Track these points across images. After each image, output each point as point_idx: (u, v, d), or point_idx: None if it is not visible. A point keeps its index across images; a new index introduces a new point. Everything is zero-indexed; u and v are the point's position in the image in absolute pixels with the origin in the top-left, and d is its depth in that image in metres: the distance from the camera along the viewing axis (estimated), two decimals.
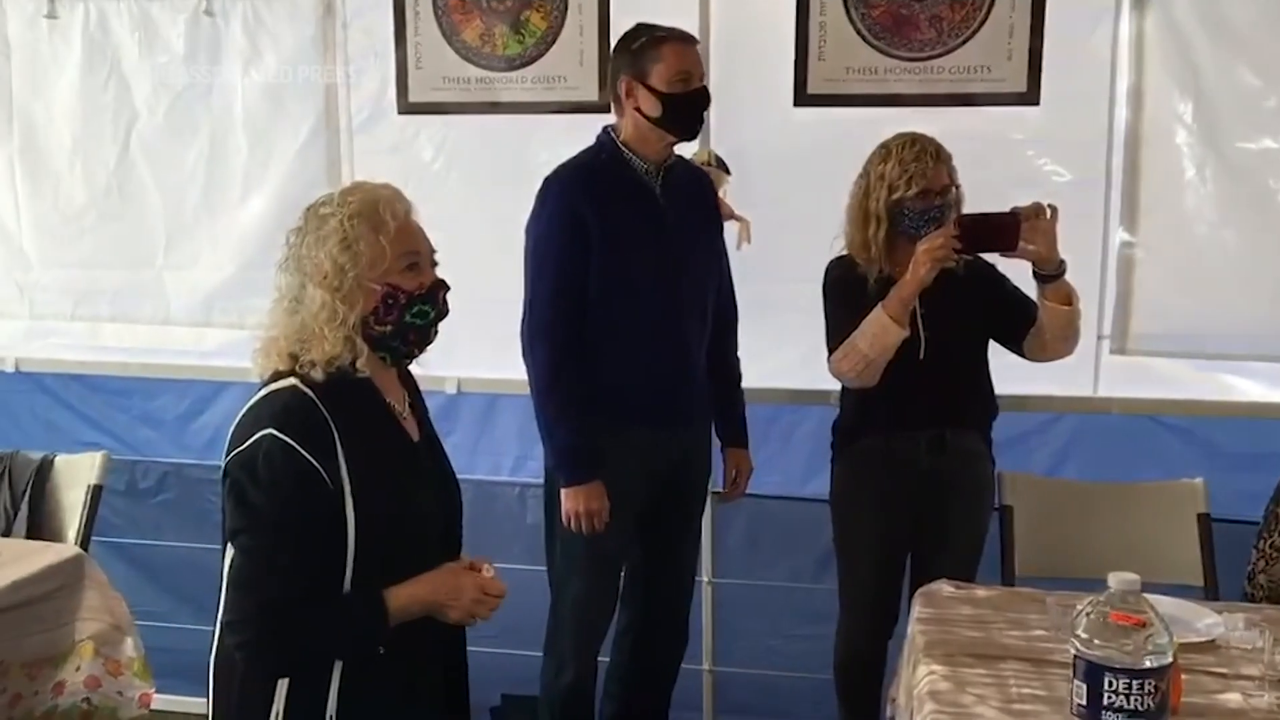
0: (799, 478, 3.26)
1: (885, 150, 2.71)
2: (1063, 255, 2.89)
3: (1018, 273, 2.73)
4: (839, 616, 2.90)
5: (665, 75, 2.58)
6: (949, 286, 2.66)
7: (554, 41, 3.23)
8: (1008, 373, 2.84)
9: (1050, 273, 2.61)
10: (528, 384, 2.71)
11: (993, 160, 3.01)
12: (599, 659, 2.87)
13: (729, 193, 3.10)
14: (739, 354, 2.92)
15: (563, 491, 2.65)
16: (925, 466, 2.75)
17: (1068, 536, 2.87)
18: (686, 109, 2.62)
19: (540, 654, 2.86)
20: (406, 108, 3.33)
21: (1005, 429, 3.04)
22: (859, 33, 3.06)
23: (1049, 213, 2.56)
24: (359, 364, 1.81)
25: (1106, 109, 3.02)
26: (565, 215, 2.61)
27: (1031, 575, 2.78)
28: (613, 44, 2.80)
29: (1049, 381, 3.08)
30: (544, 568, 2.83)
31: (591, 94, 3.15)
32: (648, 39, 2.61)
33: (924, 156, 2.66)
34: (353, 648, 1.80)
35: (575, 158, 2.70)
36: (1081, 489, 2.98)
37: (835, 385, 2.88)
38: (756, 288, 3.01)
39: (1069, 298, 2.64)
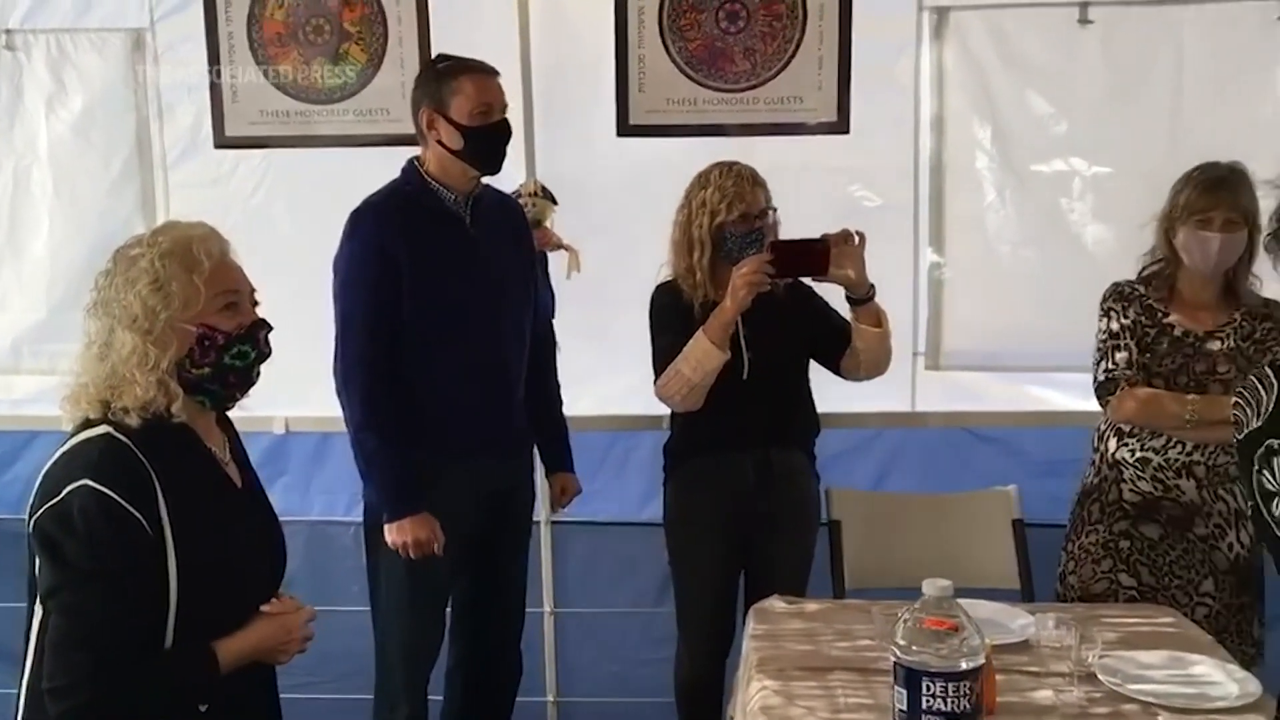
0: (636, 503, 3.30)
1: (704, 178, 2.79)
2: (876, 278, 3.02)
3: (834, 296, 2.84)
4: (678, 638, 2.94)
5: (465, 108, 2.57)
6: (770, 309, 2.74)
7: (375, 74, 3.21)
8: (830, 390, 2.93)
9: (860, 296, 2.73)
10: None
11: (808, 187, 3.12)
12: (430, 697, 2.83)
13: (555, 222, 3.13)
14: (559, 380, 2.92)
15: (388, 526, 2.60)
16: (751, 486, 2.81)
17: (894, 547, 2.97)
18: (487, 142, 2.61)
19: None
20: (223, 141, 3.26)
21: (830, 445, 3.14)
22: (676, 65, 3.14)
23: (856, 239, 2.68)
24: (174, 409, 1.75)
25: (912, 137, 3.18)
26: (373, 248, 2.57)
27: (861, 587, 2.87)
28: None
29: (869, 399, 3.20)
30: None
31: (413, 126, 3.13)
32: (447, 70, 2.60)
33: (741, 181, 2.75)
34: (182, 704, 1.73)
35: (380, 190, 2.66)
36: (904, 500, 3.11)
37: (668, 410, 2.93)
38: (587, 315, 3.05)
39: (879, 319, 2.76)
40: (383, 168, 2.82)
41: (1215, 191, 2.59)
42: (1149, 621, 2.38)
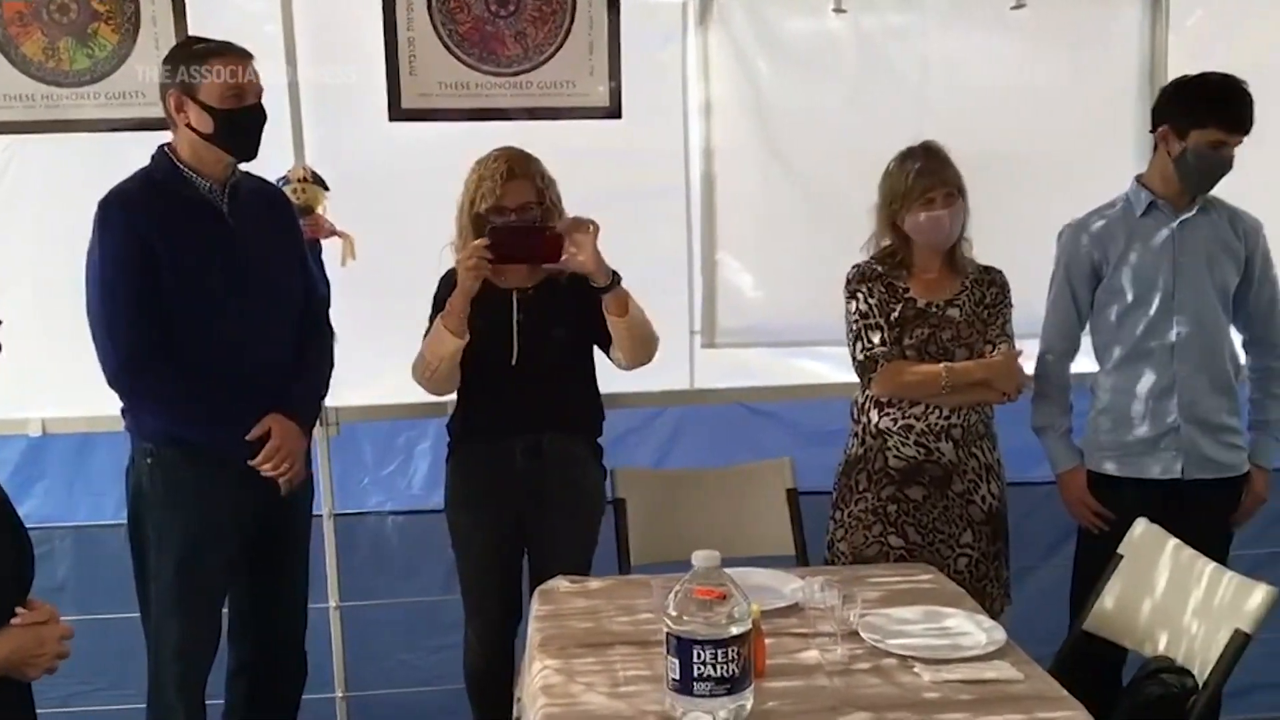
0: (423, 491, 3.26)
1: (477, 164, 2.79)
2: (653, 260, 3.10)
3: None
4: (465, 623, 2.94)
5: (215, 90, 2.47)
6: (550, 296, 2.76)
7: (128, 55, 3.05)
8: (612, 371, 2.95)
9: (600, 285, 2.72)
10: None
11: (585, 172, 3.13)
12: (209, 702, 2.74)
13: (328, 209, 3.06)
14: (333, 369, 2.83)
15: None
16: (521, 471, 2.82)
17: (676, 522, 3.04)
18: (239, 126, 2.52)
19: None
20: None
21: (614, 425, 3.18)
22: (448, 48, 3.11)
23: (589, 228, 2.67)
24: None
25: (682, 122, 3.24)
26: (129, 238, 2.46)
27: (647, 563, 2.93)
28: None
29: (650, 378, 3.25)
30: None
31: None
32: (196, 52, 2.50)
33: (497, 174, 2.75)
34: None
35: (130, 178, 2.55)
36: (686, 476, 3.19)
37: (453, 396, 2.92)
38: (365, 304, 2.99)
39: (624, 309, 2.73)
40: (139, 154, 2.69)
41: (932, 172, 2.76)
42: (909, 579, 2.53)
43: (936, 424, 2.83)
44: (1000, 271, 2.91)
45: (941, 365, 2.79)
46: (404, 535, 3.41)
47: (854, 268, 2.88)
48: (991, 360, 2.82)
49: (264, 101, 2.57)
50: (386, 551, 3.42)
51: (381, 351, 3.00)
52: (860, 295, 2.84)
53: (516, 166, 2.76)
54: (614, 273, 2.72)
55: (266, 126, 2.58)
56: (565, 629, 2.28)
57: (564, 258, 2.67)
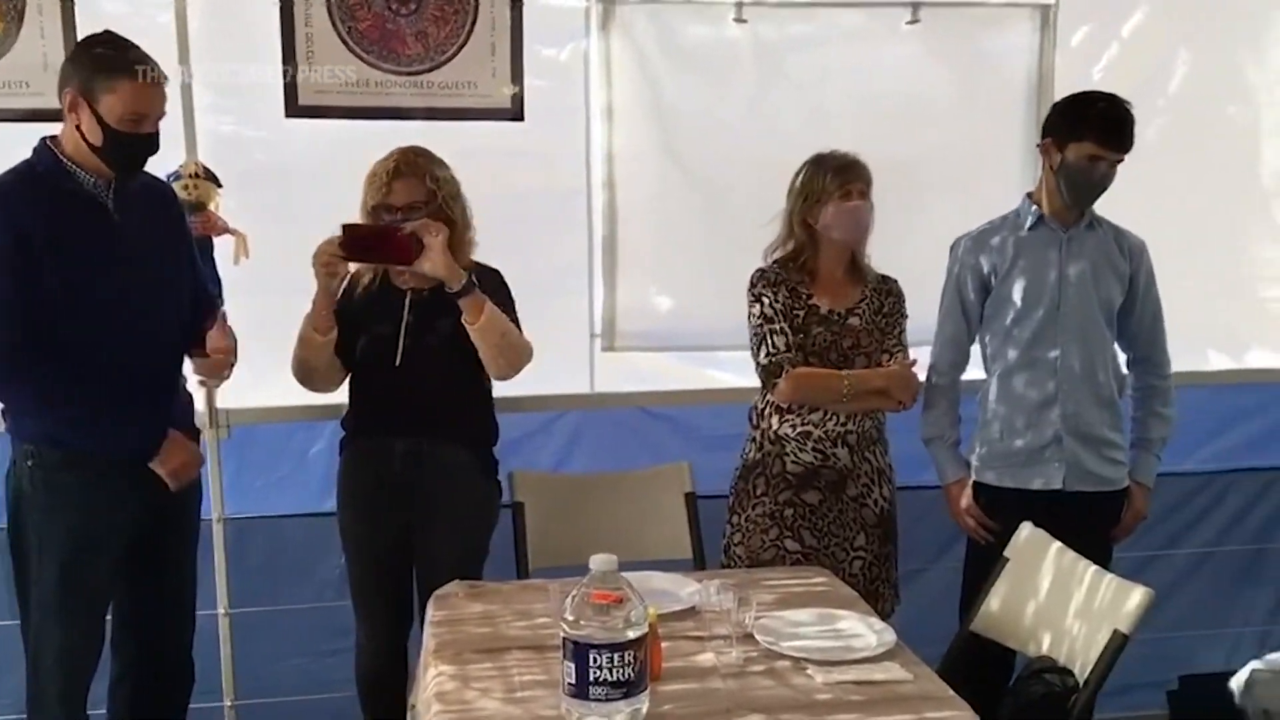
0: (317, 494, 3.20)
1: (375, 163, 2.76)
2: (554, 264, 3.09)
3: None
4: (356, 626, 2.91)
5: (116, 110, 2.38)
6: (444, 299, 2.72)
7: (12, 44, 2.94)
8: None
9: (453, 290, 2.65)
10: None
11: (486, 173, 3.11)
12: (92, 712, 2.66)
13: (221, 206, 2.99)
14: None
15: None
16: (401, 475, 2.79)
17: (576, 526, 3.04)
18: (129, 150, 2.44)
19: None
20: None
21: (514, 429, 3.18)
22: (347, 45, 3.06)
23: (435, 231, 2.63)
24: None
25: (584, 124, 3.24)
26: (7, 233, 2.37)
27: (545, 566, 2.92)
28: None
29: (550, 381, 3.26)
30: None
31: (56, 101, 2.90)
32: (109, 63, 2.39)
33: (384, 172, 2.72)
34: None
35: (10, 170, 2.46)
36: (585, 480, 3.19)
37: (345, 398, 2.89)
38: (258, 303, 2.93)
39: (476, 315, 2.66)
40: (24, 147, 2.60)
41: (851, 167, 2.82)
42: (803, 582, 2.57)
43: (833, 430, 2.87)
44: (896, 281, 2.97)
45: (844, 373, 2.83)
46: (298, 539, 3.33)
47: (758, 271, 2.91)
48: (891, 370, 2.87)
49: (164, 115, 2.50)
50: (280, 555, 3.35)
51: (275, 352, 2.93)
52: (765, 299, 2.86)
53: (404, 165, 2.72)
54: (470, 278, 2.67)
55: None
56: (461, 634, 2.27)
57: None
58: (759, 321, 2.86)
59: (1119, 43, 3.44)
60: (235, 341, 2.64)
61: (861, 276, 2.93)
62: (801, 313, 2.86)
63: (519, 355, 2.77)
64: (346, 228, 2.62)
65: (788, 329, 2.84)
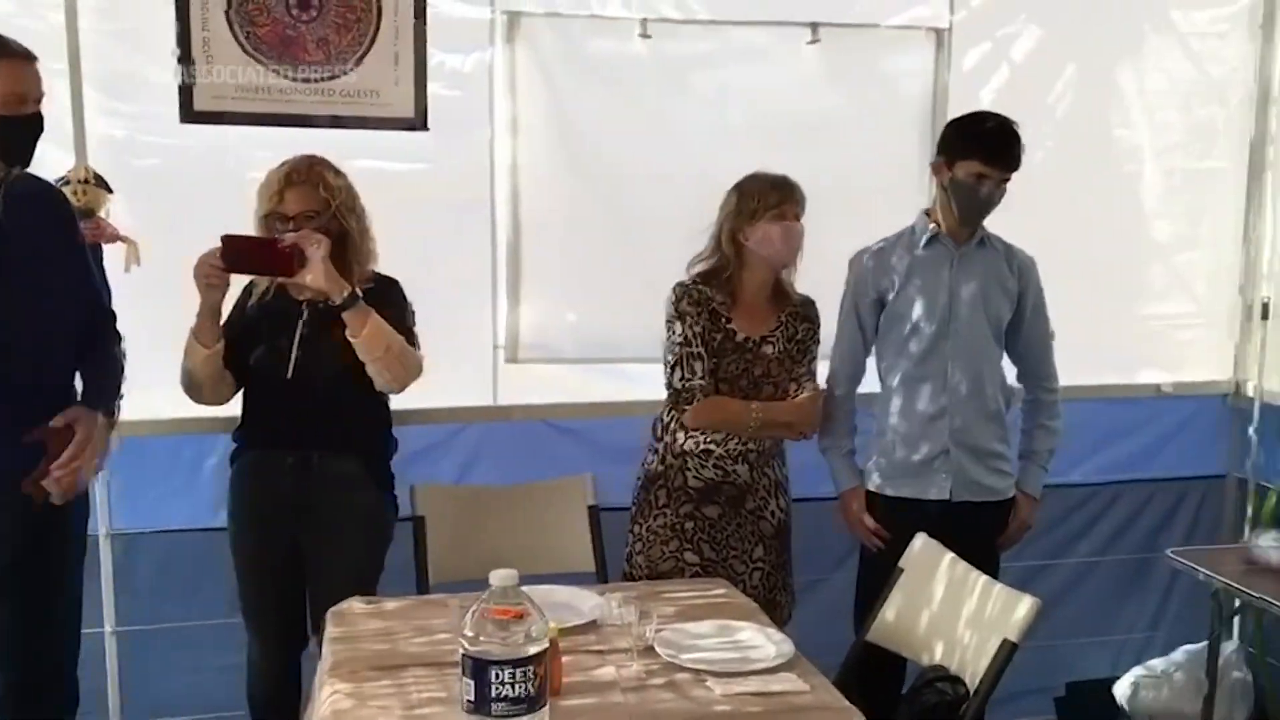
0: (210, 508, 3.13)
1: (270, 171, 2.72)
2: (459, 275, 3.06)
3: None
4: (248, 641, 2.86)
5: None
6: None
7: None
8: (415, 386, 2.88)
9: (336, 303, 2.61)
10: None
11: (390, 184, 3.10)
12: None
13: (112, 212, 2.91)
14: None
15: None
16: (291, 488, 2.75)
17: (478, 539, 3.02)
18: (16, 134, 2.37)
19: None
20: None
21: (416, 441, 3.15)
22: (245, 50, 3.01)
23: (316, 243, 2.58)
24: None
25: (488, 136, 3.23)
26: None
27: (447, 581, 2.89)
28: None
29: (453, 394, 3.25)
30: None
31: None
32: None
33: (276, 180, 2.68)
34: None
35: None
36: (488, 493, 3.16)
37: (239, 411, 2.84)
38: (149, 313, 2.85)
39: (358, 329, 2.62)
40: None
41: (785, 187, 2.85)
42: (704, 594, 2.59)
43: (734, 450, 2.90)
44: (815, 305, 3.00)
45: (754, 405, 2.87)
46: (190, 554, 3.25)
47: (681, 287, 2.90)
48: (799, 402, 2.92)
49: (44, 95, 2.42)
50: (171, 571, 3.26)
51: (166, 363, 2.86)
52: (686, 320, 2.86)
53: (297, 173, 2.68)
54: (354, 291, 2.63)
55: (46, 121, 2.43)
56: (358, 651, 2.23)
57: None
58: (678, 343, 2.87)
59: (1009, 65, 3.54)
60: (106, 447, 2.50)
61: (782, 300, 2.95)
62: (719, 337, 2.88)
63: (405, 370, 2.72)
64: (226, 239, 2.57)
65: (704, 354, 2.85)
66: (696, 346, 2.84)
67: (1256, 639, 3.61)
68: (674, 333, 2.87)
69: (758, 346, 2.90)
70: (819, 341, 3.00)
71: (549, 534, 3.10)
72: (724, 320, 2.88)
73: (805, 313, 2.98)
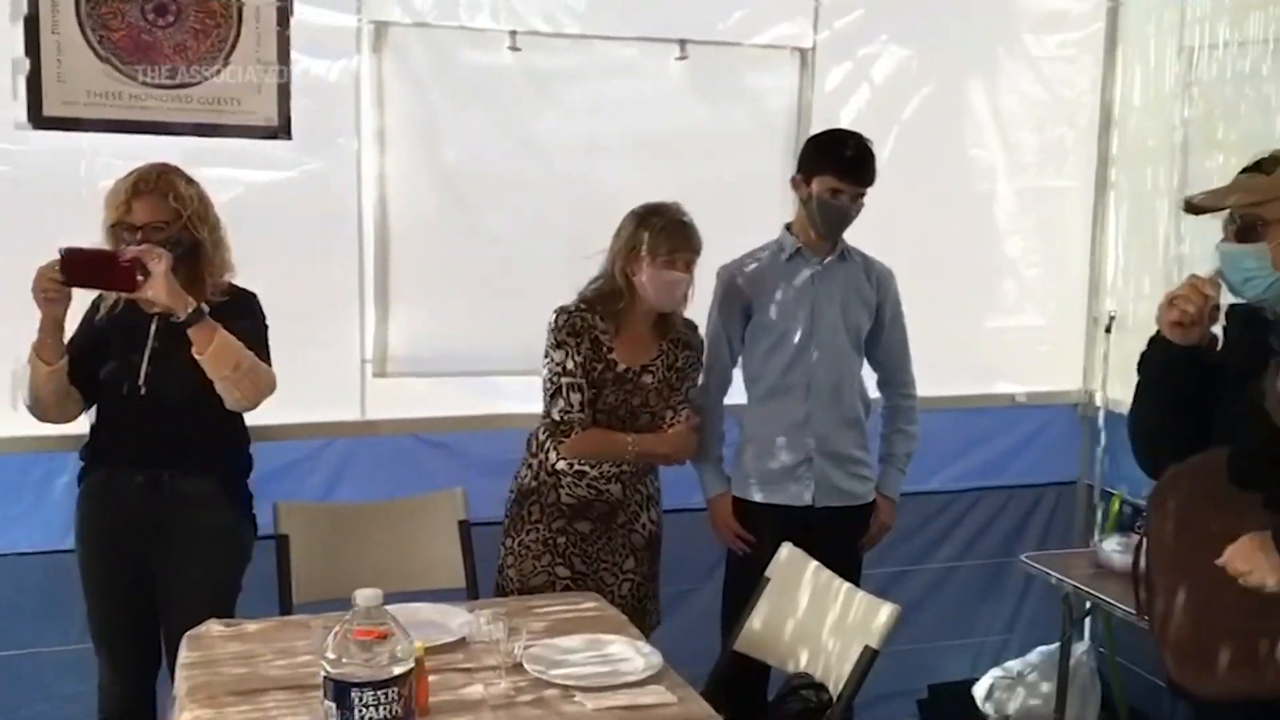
0: (60, 530, 3.00)
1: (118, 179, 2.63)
2: (326, 288, 3.00)
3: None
4: (98, 665, 2.77)
5: None
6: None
7: None
8: (274, 401, 2.79)
9: (179, 320, 2.54)
10: None
11: (253, 193, 3.04)
12: None
13: None
14: None
15: None
16: (141, 507, 2.67)
17: (344, 557, 2.96)
18: None
19: None
20: None
21: (277, 458, 3.08)
22: (99, 55, 2.91)
23: (158, 257, 2.50)
24: None
25: (354, 146, 3.18)
26: None
27: (312, 601, 2.83)
28: None
29: (318, 409, 3.18)
30: None
31: None
32: None
33: (123, 189, 2.59)
34: None
35: None
36: (354, 510, 3.10)
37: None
38: None
39: (203, 346, 2.55)
40: None
41: (680, 235, 2.82)
42: (573, 608, 2.59)
43: (609, 471, 2.91)
44: (698, 332, 3.02)
45: (630, 438, 2.88)
46: (39, 577, 3.11)
47: (564, 314, 2.86)
48: (675, 434, 2.93)
49: None
50: (19, 595, 3.12)
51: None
52: (568, 348, 2.84)
53: (144, 182, 2.59)
54: (199, 306, 2.56)
55: None
56: (216, 676, 2.17)
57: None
58: (557, 372, 2.85)
59: (870, 85, 3.64)
60: None
61: (665, 327, 2.94)
62: (599, 367, 2.87)
63: (256, 387, 2.64)
64: (65, 252, 2.47)
65: (584, 385, 2.85)
66: (577, 377, 2.83)
67: (1107, 639, 3.76)
68: (554, 360, 2.85)
69: (638, 376, 2.90)
70: (700, 367, 3.02)
71: (419, 550, 3.06)
72: (605, 350, 2.87)
73: (688, 339, 2.99)
